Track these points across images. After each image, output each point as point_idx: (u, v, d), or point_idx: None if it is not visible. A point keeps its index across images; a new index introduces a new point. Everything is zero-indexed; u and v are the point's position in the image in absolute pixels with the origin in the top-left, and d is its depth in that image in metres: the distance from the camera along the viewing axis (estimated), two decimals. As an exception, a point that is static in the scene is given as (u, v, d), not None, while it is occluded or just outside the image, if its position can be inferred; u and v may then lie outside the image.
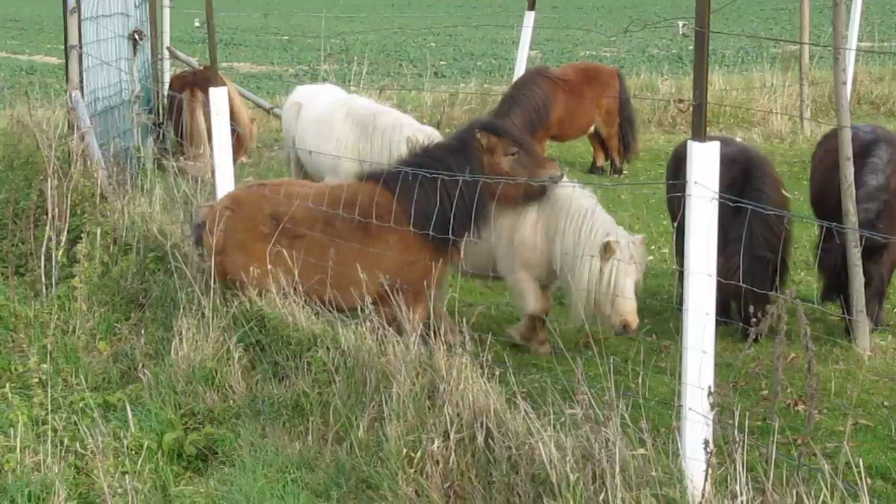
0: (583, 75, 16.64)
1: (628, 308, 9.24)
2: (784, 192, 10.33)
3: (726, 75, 23.20)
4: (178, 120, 16.83)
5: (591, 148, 17.12)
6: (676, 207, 9.36)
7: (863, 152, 10.06)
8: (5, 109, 18.72)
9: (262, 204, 9.19)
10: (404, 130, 12.17)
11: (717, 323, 7.60)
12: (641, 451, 6.28)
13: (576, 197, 9.47)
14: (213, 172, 10.75)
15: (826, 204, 10.39)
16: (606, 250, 9.13)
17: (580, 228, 9.31)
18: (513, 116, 15.15)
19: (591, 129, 16.58)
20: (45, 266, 10.52)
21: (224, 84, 11.08)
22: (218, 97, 10.62)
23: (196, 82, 16.67)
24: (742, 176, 9.93)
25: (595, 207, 9.42)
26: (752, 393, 8.74)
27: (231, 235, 9.12)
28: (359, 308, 8.38)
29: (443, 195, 8.79)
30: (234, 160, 15.56)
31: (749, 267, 9.39)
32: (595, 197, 9.61)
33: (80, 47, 13.92)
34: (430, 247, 8.85)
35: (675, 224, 9.98)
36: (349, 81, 21.23)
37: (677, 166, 9.72)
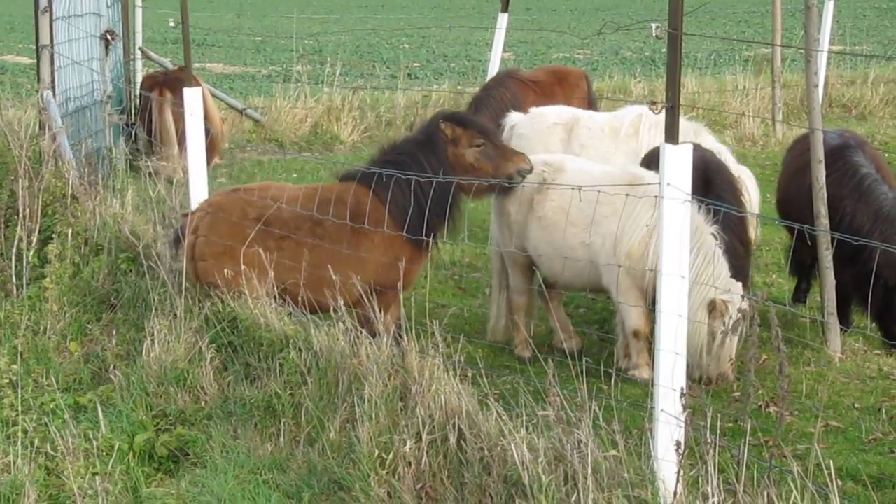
0: (553, 76, 16.64)
1: (729, 363, 8.91)
2: (742, 198, 10.10)
3: (699, 78, 23.23)
4: (147, 119, 16.77)
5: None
6: None
7: (834, 156, 10.04)
8: (-24, 109, 18.59)
9: (245, 208, 9.15)
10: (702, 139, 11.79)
11: None
12: (613, 452, 6.29)
13: (702, 226, 8.93)
14: (185, 173, 10.71)
15: (791, 208, 10.42)
16: (712, 310, 8.83)
17: (702, 270, 8.85)
18: (479, 118, 15.10)
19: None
20: (16, 266, 10.47)
21: (198, 84, 11.02)
22: (192, 98, 10.57)
23: (166, 82, 16.60)
24: (702, 184, 9.43)
25: (718, 244, 8.96)
26: (724, 395, 8.76)
27: (215, 241, 9.07)
28: (331, 309, 8.37)
29: (418, 193, 8.79)
30: (208, 161, 15.48)
31: None
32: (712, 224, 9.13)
33: (52, 47, 13.86)
34: (409, 246, 8.84)
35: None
36: (322, 82, 21.19)
37: None
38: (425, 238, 8.77)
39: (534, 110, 13.35)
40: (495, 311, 10.17)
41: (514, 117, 13.27)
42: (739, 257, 9.41)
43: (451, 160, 8.95)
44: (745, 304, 8.60)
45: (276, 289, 8.84)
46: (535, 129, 12.94)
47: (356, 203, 8.84)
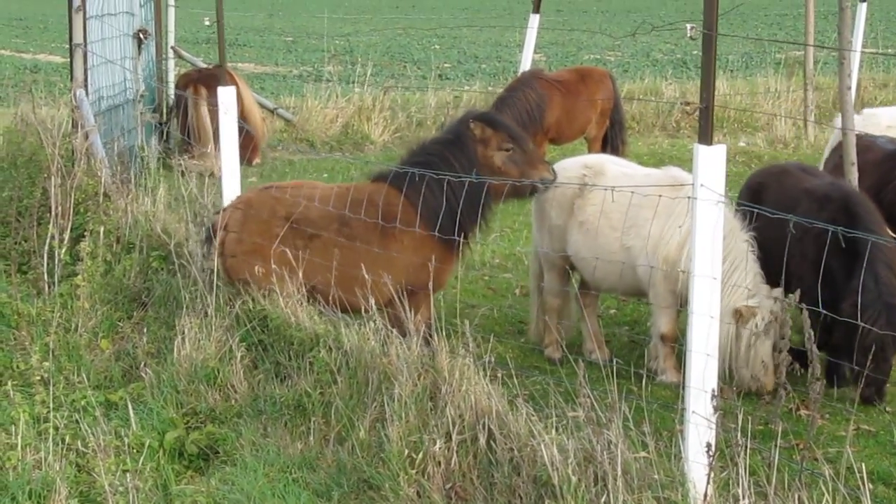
0: (576, 74, 16.68)
1: (763, 370, 8.76)
2: (889, 231, 9.29)
3: (730, 80, 23.19)
4: (182, 118, 16.85)
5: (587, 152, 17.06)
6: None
7: (893, 161, 9.93)
8: (10, 108, 18.73)
9: (275, 206, 9.17)
10: None
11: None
12: (643, 453, 6.28)
13: (735, 232, 8.79)
14: (219, 171, 10.73)
15: None
16: (737, 317, 8.68)
17: (728, 276, 8.58)
18: (503, 118, 15.02)
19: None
20: (48, 264, 10.52)
21: (232, 83, 11.04)
22: (226, 96, 10.59)
23: (201, 79, 16.71)
24: (845, 217, 8.65)
25: (750, 250, 8.86)
26: (755, 397, 8.73)
27: (245, 239, 9.09)
28: (363, 309, 8.37)
29: (449, 194, 8.75)
30: (248, 161, 15.52)
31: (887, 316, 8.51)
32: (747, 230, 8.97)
33: (85, 46, 13.92)
34: (440, 247, 8.80)
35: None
36: (353, 82, 21.23)
37: (755, 200, 9.13)
38: (456, 239, 8.73)
39: (866, 112, 12.53)
40: (535, 313, 10.12)
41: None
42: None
43: (479, 160, 8.91)
44: (776, 307, 8.56)
45: (304, 287, 8.83)
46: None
47: (387, 203, 8.84)
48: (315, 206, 9.01)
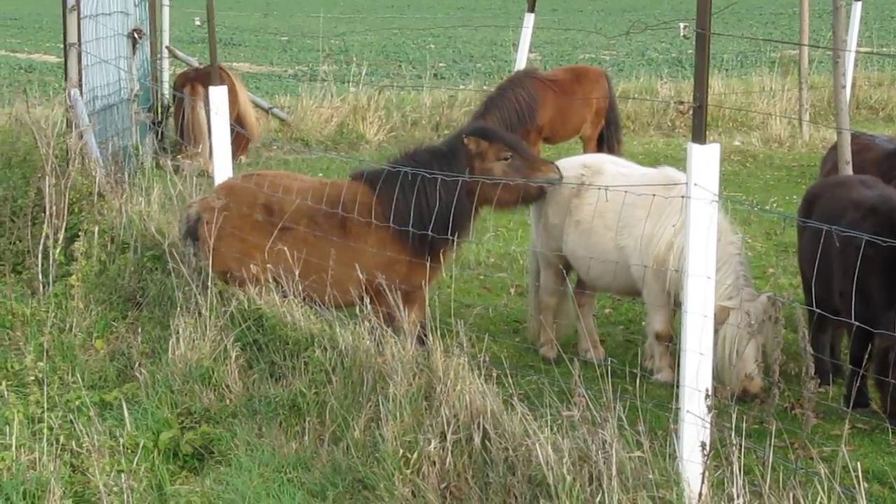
0: (571, 74, 16.66)
1: (746, 373, 8.64)
2: None
3: (725, 79, 23.18)
4: (179, 116, 16.83)
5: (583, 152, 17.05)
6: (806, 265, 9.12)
7: (893, 161, 9.90)
8: (4, 107, 18.71)
9: (255, 194, 9.22)
10: None
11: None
12: (638, 453, 6.27)
13: (724, 233, 8.58)
14: (212, 170, 10.74)
15: None
16: (718, 315, 8.34)
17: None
18: (488, 118, 14.98)
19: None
20: (43, 264, 10.50)
21: (224, 83, 11.02)
22: (217, 96, 10.58)
23: (198, 78, 16.69)
24: (889, 230, 7.99)
25: (736, 252, 8.82)
26: (750, 396, 8.72)
27: (225, 224, 9.13)
28: (353, 305, 8.39)
29: (421, 196, 8.78)
30: (235, 158, 15.52)
31: None
32: (738, 232, 9.02)
33: (80, 45, 13.91)
34: (410, 247, 8.83)
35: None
36: (348, 82, 21.23)
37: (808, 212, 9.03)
38: (428, 241, 8.74)
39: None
40: (531, 312, 10.11)
41: None
42: None
43: (479, 174, 8.93)
44: (756, 310, 8.54)
45: (284, 278, 8.87)
46: None
47: (361, 202, 8.94)
48: (293, 199, 9.07)
